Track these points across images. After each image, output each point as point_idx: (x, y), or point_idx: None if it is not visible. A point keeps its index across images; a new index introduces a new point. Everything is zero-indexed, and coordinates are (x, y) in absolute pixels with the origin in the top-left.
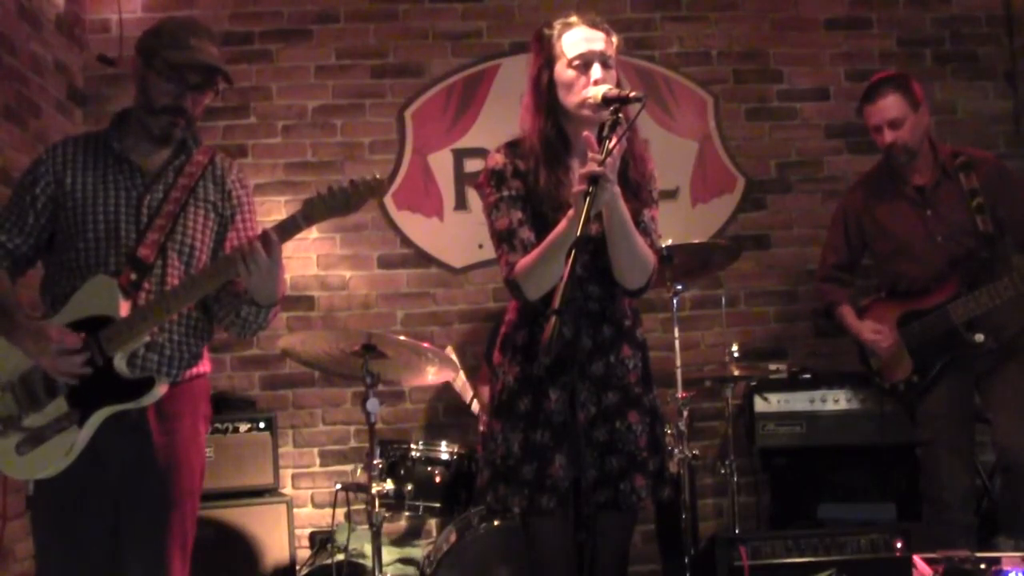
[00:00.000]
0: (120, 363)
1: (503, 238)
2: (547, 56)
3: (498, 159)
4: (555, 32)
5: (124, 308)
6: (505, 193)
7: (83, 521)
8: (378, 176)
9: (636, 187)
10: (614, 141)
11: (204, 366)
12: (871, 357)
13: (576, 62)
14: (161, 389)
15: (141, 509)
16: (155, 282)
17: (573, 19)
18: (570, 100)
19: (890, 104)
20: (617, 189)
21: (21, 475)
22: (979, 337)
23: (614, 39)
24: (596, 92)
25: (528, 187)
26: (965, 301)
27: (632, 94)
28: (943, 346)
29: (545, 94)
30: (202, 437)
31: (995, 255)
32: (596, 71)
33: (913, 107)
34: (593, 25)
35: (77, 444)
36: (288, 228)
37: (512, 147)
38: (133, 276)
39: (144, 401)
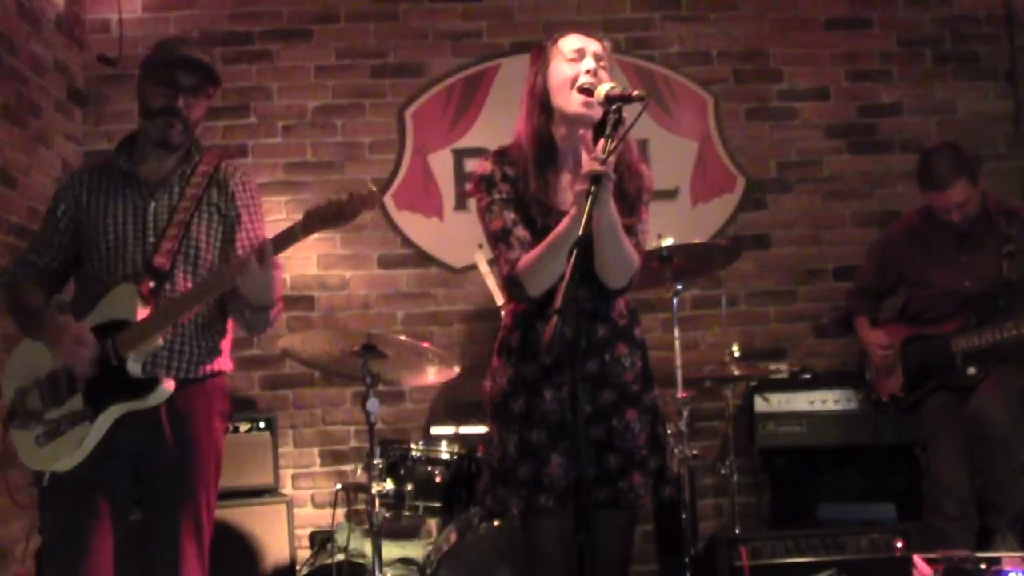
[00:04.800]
0: (133, 364)
1: (500, 238)
2: (543, 62)
3: (486, 166)
4: (551, 41)
5: (141, 314)
6: (496, 196)
7: (90, 513)
8: (372, 188)
9: (632, 200)
10: (616, 140)
11: (221, 363)
12: (868, 370)
13: (571, 56)
14: (166, 388)
15: (157, 502)
16: (169, 288)
17: (569, 32)
18: (560, 98)
19: (957, 191)
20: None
21: (39, 466)
22: (972, 370)
23: (608, 45)
24: (599, 90)
25: (517, 192)
26: (968, 334)
27: (634, 93)
28: (935, 371)
29: (539, 98)
30: (218, 432)
31: (1011, 303)
32: (588, 62)
33: (975, 183)
34: (587, 33)
35: (88, 439)
36: (286, 238)
37: (500, 155)
38: (152, 284)
39: (150, 400)
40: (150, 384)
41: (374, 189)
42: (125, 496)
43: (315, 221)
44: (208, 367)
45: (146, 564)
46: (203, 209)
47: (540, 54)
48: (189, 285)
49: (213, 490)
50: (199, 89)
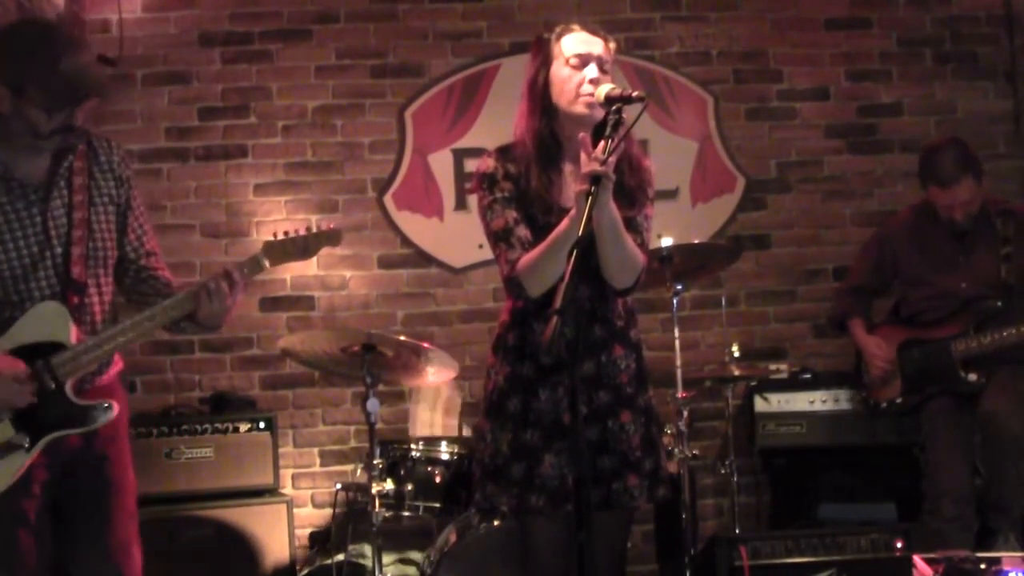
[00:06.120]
0: (70, 389)
1: (500, 237)
2: (544, 57)
3: (489, 163)
4: (554, 35)
5: (74, 333)
6: (498, 194)
7: (20, 522)
8: (333, 227)
9: (632, 193)
10: (616, 141)
11: (118, 363)
12: (865, 373)
13: (573, 60)
14: (113, 412)
15: (90, 503)
16: (88, 302)
17: (574, 25)
18: (564, 100)
19: (964, 189)
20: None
21: None
22: (972, 377)
23: (612, 46)
24: (599, 92)
25: (519, 190)
26: (968, 340)
27: (634, 94)
28: (935, 377)
29: (540, 95)
30: (126, 427)
31: (1009, 306)
32: (592, 70)
33: (980, 181)
34: (592, 31)
35: (23, 468)
36: (251, 267)
37: (502, 152)
38: (76, 299)
39: (95, 426)
40: (99, 411)
41: (334, 227)
42: (50, 501)
43: (279, 255)
44: (117, 367)
45: (86, 565)
46: (97, 202)
47: (541, 49)
48: (103, 290)
49: (134, 478)
50: (94, 93)
